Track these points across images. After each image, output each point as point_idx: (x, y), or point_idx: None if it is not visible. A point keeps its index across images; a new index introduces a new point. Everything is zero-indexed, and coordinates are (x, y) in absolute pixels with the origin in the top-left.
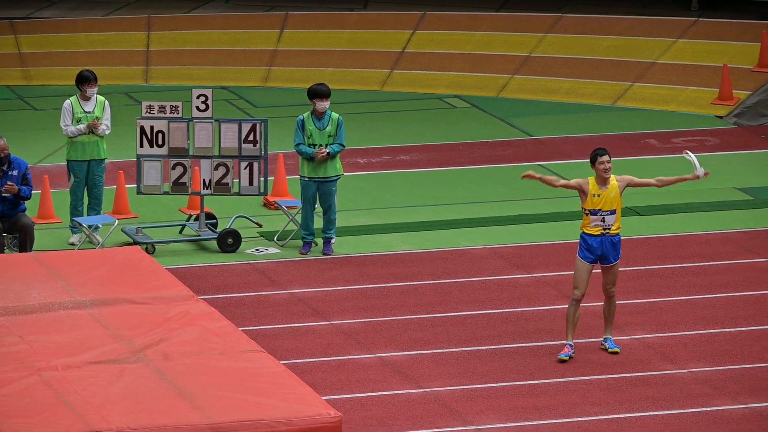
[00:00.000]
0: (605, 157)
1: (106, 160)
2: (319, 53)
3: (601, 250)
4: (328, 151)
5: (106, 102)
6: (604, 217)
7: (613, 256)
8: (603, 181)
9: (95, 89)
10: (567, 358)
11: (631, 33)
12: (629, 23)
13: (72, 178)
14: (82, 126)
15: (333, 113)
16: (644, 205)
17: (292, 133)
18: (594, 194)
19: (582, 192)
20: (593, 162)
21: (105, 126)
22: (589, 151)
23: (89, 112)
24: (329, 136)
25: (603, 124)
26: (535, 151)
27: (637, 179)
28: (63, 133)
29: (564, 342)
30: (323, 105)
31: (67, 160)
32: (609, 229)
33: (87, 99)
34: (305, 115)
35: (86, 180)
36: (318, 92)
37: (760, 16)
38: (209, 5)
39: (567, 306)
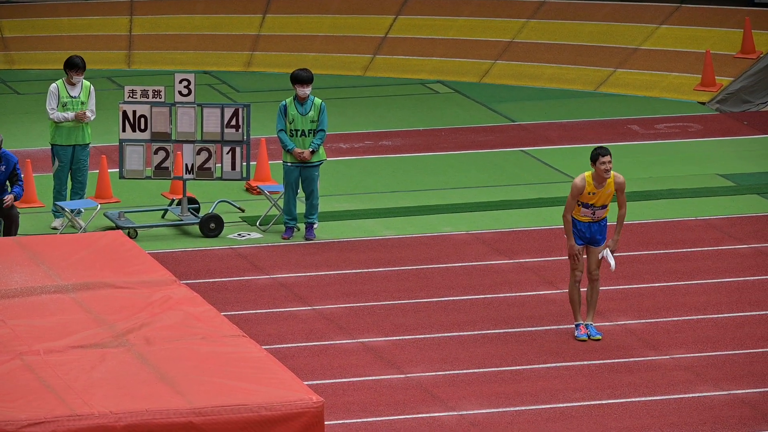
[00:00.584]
0: (607, 158)
1: (90, 145)
2: (302, 38)
3: (590, 233)
4: (310, 150)
5: (92, 87)
6: (594, 211)
7: (601, 239)
8: (601, 180)
9: (82, 77)
10: (586, 338)
11: (614, 18)
12: (612, 9)
13: (56, 163)
14: (69, 114)
15: (316, 99)
16: (627, 191)
17: (275, 118)
18: (590, 192)
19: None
20: (594, 161)
21: (90, 111)
22: (571, 136)
23: (75, 97)
24: (311, 121)
25: (586, 110)
26: (518, 136)
27: (623, 193)
28: (48, 117)
29: (576, 324)
30: (304, 91)
31: (52, 145)
32: (598, 218)
33: (73, 84)
34: (288, 100)
35: (70, 164)
36: (299, 78)
37: (742, 3)
38: None
39: (568, 289)
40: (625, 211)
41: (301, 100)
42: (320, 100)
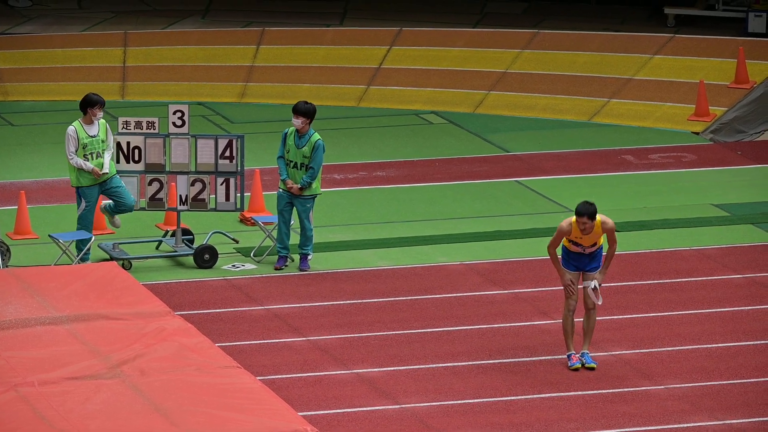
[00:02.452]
0: (583, 218)
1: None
2: (296, 69)
3: (581, 263)
4: (298, 187)
5: (107, 125)
6: (584, 248)
7: (596, 266)
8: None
9: (101, 114)
10: (579, 365)
11: (608, 49)
12: (606, 39)
13: (83, 204)
14: (88, 165)
15: (315, 135)
16: (621, 221)
17: (269, 148)
18: (576, 236)
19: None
20: (576, 214)
21: (108, 150)
22: (565, 167)
23: (94, 136)
24: (304, 156)
25: (580, 140)
26: (512, 167)
27: (612, 233)
28: (69, 161)
29: (568, 354)
30: (296, 121)
31: (76, 187)
32: (589, 252)
33: (90, 123)
34: (291, 129)
35: (98, 199)
36: (294, 108)
37: (736, 33)
38: (186, 21)
39: (562, 319)
40: (614, 249)
41: (300, 133)
42: (318, 137)
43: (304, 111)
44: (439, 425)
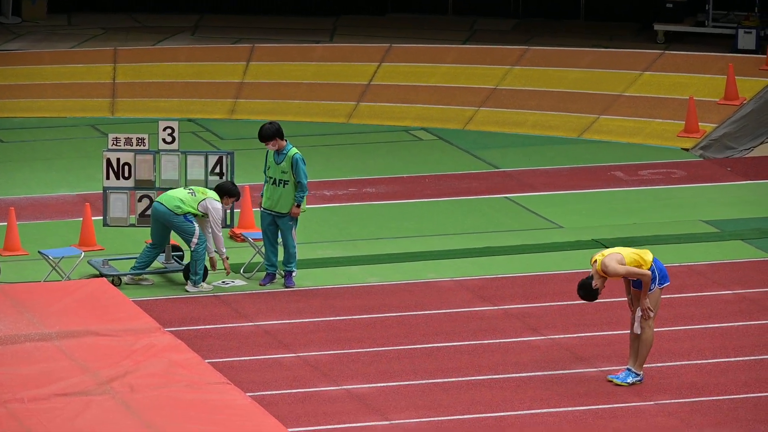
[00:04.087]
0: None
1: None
2: (286, 85)
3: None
4: (297, 213)
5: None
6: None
7: (635, 282)
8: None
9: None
10: (611, 379)
11: (598, 65)
12: (595, 56)
13: (194, 224)
14: (224, 251)
15: (292, 150)
16: (611, 237)
17: (259, 165)
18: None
19: None
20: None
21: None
22: (555, 183)
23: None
24: (283, 172)
25: (569, 157)
26: (502, 183)
27: (625, 271)
28: (215, 230)
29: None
30: (270, 146)
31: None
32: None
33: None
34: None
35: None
36: (260, 137)
37: (725, 49)
38: (175, 37)
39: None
40: (642, 280)
41: (277, 151)
42: (295, 152)
43: (269, 135)
44: None
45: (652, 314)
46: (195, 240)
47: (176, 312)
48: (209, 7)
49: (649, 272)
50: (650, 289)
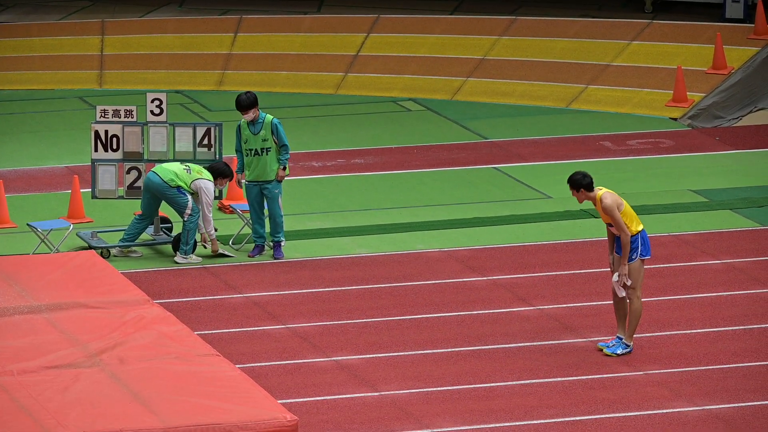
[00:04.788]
0: (570, 189)
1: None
2: (274, 57)
3: (615, 243)
4: (281, 168)
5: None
6: (609, 227)
7: (619, 251)
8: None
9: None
10: (602, 347)
11: (585, 35)
12: (583, 25)
13: (187, 197)
14: (213, 234)
15: (267, 116)
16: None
17: None
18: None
19: None
20: None
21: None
22: (544, 153)
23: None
24: (263, 140)
25: (558, 127)
26: (490, 153)
27: (612, 217)
28: (204, 212)
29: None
30: (247, 116)
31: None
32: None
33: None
34: (242, 121)
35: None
36: (238, 103)
37: (713, 18)
38: (163, 9)
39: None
40: (622, 239)
41: (251, 121)
42: (271, 117)
43: (248, 104)
44: (418, 412)
45: (628, 283)
46: (188, 211)
47: (165, 284)
48: None
49: (629, 236)
50: (631, 259)
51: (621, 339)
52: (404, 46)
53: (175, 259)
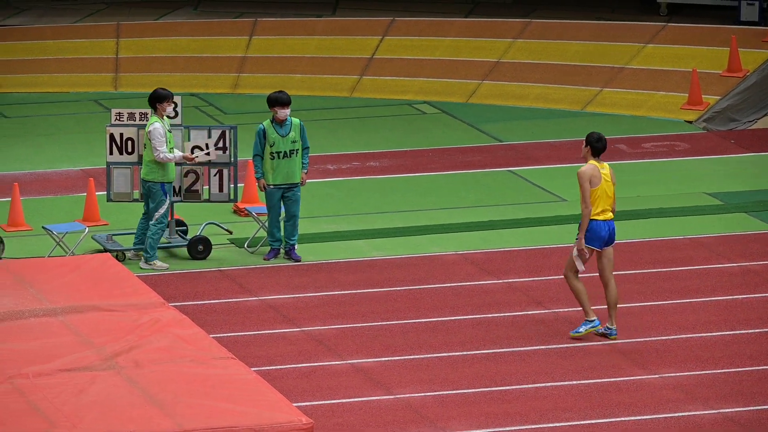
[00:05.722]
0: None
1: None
2: (289, 59)
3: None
4: (304, 172)
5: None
6: None
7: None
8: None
9: (170, 109)
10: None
11: (600, 38)
12: (598, 28)
13: (167, 201)
14: (179, 154)
15: (293, 118)
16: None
17: None
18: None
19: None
20: None
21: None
22: (559, 156)
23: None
24: (292, 142)
25: (572, 130)
26: (505, 156)
27: (582, 186)
28: (159, 158)
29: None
30: (285, 113)
31: (161, 182)
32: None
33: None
34: (266, 123)
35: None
36: (280, 100)
37: (728, 21)
38: (178, 12)
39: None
40: (582, 211)
41: (280, 122)
42: (298, 120)
43: (289, 100)
44: (433, 415)
45: (587, 256)
46: (157, 215)
47: (181, 287)
48: None
49: (589, 210)
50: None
51: (609, 327)
52: (419, 49)
53: (141, 264)
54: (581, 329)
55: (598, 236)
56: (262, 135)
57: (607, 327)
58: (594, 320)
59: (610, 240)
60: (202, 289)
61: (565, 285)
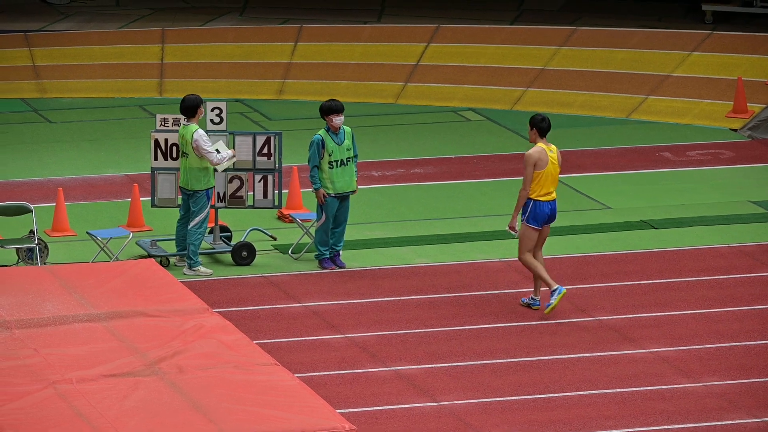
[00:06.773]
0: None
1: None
2: (334, 66)
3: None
4: (357, 189)
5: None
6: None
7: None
8: None
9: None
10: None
11: (646, 46)
12: (643, 36)
13: (208, 206)
14: (230, 152)
15: (345, 126)
16: (659, 218)
17: (307, 145)
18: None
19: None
20: None
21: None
22: (603, 164)
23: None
24: (347, 149)
25: (617, 137)
26: None
27: (526, 169)
28: (214, 162)
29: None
30: (340, 120)
31: (207, 189)
32: None
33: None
34: (322, 133)
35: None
36: (335, 108)
37: None
38: (223, 18)
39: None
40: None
41: (335, 131)
42: (349, 128)
43: (342, 107)
44: (477, 423)
45: (514, 234)
46: (197, 219)
47: (224, 293)
48: None
49: (526, 193)
50: (524, 219)
51: (533, 297)
52: (464, 56)
53: (184, 270)
54: (552, 301)
55: (541, 216)
56: (321, 145)
57: (532, 298)
58: (558, 287)
59: (551, 219)
60: (246, 295)
61: (608, 292)
